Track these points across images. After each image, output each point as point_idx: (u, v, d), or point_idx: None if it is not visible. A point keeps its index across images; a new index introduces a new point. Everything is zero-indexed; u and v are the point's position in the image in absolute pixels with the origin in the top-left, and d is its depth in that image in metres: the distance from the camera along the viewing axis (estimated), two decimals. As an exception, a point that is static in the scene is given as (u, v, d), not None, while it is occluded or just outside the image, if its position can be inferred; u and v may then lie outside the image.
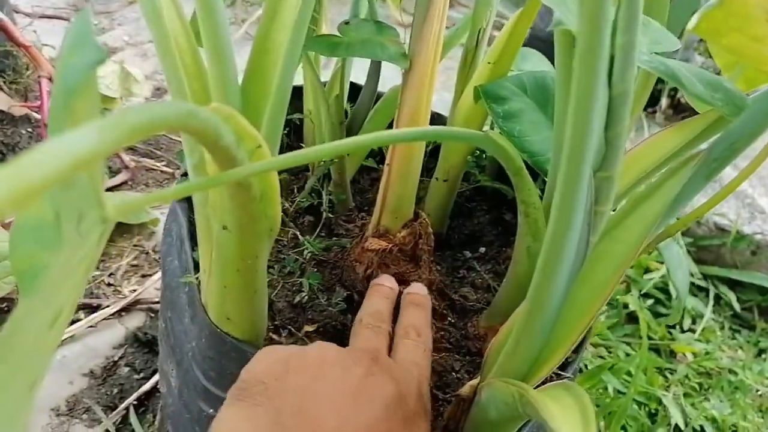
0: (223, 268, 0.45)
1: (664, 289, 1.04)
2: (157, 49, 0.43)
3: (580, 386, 0.35)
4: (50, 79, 1.08)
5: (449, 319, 0.60)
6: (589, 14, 0.24)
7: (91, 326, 0.86)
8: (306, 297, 0.57)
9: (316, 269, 0.60)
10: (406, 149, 0.54)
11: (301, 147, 0.71)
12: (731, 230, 1.10)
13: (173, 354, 0.58)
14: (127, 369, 0.83)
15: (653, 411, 0.88)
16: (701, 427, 0.88)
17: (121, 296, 0.91)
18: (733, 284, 1.11)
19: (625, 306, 0.99)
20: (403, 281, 0.57)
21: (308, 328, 0.56)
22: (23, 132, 1.15)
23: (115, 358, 0.84)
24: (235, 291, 0.46)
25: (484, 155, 0.70)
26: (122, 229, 1.02)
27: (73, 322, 0.86)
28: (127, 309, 0.89)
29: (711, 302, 1.05)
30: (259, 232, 0.43)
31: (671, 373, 0.94)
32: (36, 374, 0.26)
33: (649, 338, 0.98)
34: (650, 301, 1.02)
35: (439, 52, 0.51)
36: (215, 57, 0.41)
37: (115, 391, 0.80)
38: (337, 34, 0.54)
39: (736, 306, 1.08)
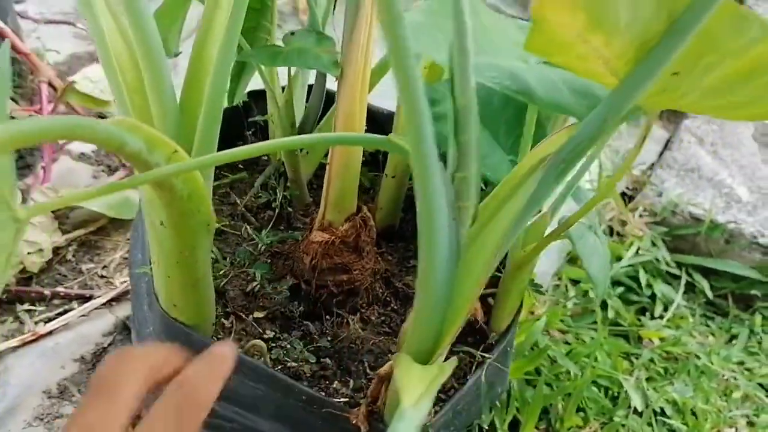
0: (164, 260, 0.51)
1: (635, 277, 1.08)
2: (102, 66, 0.48)
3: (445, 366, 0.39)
4: (50, 84, 1.15)
5: (392, 305, 0.65)
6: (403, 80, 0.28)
7: (83, 315, 0.92)
8: (258, 286, 0.62)
9: (269, 260, 0.65)
10: (344, 149, 0.58)
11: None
12: (705, 219, 1.13)
13: (138, 338, 0.64)
14: (115, 355, 0.89)
15: (615, 394, 0.91)
16: (661, 409, 0.91)
17: (112, 287, 0.97)
18: (708, 272, 1.13)
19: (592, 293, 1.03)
20: (346, 270, 0.62)
21: (258, 314, 0.61)
22: (27, 133, 1.21)
23: (105, 345, 0.90)
24: (178, 280, 0.52)
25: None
26: (117, 224, 1.08)
27: (67, 311, 0.93)
28: (117, 299, 0.95)
29: (682, 289, 1.08)
30: (194, 228, 0.48)
31: (637, 358, 0.98)
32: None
33: (617, 324, 1.02)
34: (620, 289, 1.05)
35: (369, 58, 0.55)
36: (150, 72, 0.46)
37: (104, 375, 0.86)
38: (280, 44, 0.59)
39: (709, 293, 1.10)
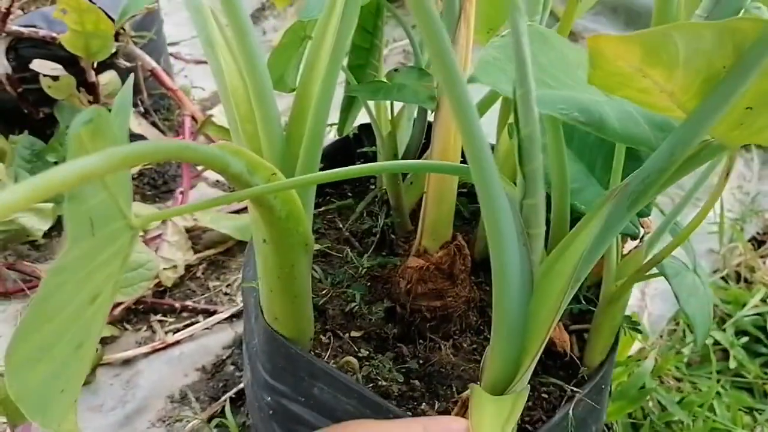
0: (267, 275, 0.55)
1: (762, 327, 1.01)
2: (221, 98, 0.54)
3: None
4: (192, 117, 1.27)
5: (485, 334, 0.66)
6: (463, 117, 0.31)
7: (206, 328, 1.00)
8: (356, 307, 0.66)
9: (369, 283, 0.69)
10: (440, 178, 0.61)
11: (374, 176, 0.80)
12: None
13: (247, 349, 0.69)
14: (232, 367, 0.96)
15: (734, 449, 0.86)
16: (786, 470, 0.85)
17: (234, 304, 1.05)
18: None
19: (716, 342, 0.98)
20: (439, 297, 0.64)
21: (354, 333, 0.65)
22: (172, 162, 1.34)
23: (224, 357, 0.97)
24: (279, 295, 0.56)
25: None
26: (243, 246, 1.16)
27: (193, 323, 1.01)
28: (237, 315, 1.02)
29: (817, 344, 1.00)
30: (293, 246, 0.52)
31: (760, 414, 0.91)
32: (82, 338, 0.37)
33: (740, 376, 0.96)
34: (745, 339, 0.99)
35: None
36: (259, 105, 0.51)
37: (221, 385, 0.93)
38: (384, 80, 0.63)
39: None
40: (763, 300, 1.03)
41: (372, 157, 0.79)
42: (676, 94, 0.34)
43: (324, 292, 0.67)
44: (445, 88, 0.32)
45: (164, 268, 1.06)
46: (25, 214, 1.02)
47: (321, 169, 0.77)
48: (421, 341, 0.64)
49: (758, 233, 1.17)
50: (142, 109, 1.34)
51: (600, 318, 0.57)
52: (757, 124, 0.35)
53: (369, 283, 0.69)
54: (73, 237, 0.33)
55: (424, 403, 0.59)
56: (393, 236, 0.74)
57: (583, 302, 0.63)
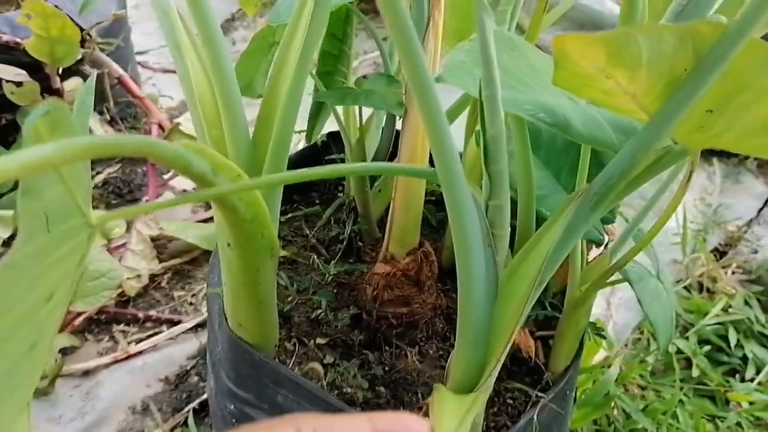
0: (231, 280, 0.54)
1: (725, 336, 1.02)
2: (187, 102, 0.54)
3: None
4: (159, 125, 1.25)
5: (451, 341, 0.65)
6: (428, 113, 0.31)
7: (170, 338, 0.99)
8: (322, 314, 0.65)
9: (335, 290, 0.68)
10: (407, 184, 0.61)
11: (342, 183, 0.80)
12: (806, 280, 1.06)
13: (211, 358, 0.68)
14: (196, 378, 0.94)
15: (697, 457, 0.87)
16: (747, 477, 0.86)
17: (199, 314, 1.03)
18: (810, 337, 1.06)
19: (679, 351, 0.99)
20: (406, 303, 0.64)
21: (320, 340, 0.64)
22: (138, 170, 1.32)
23: (188, 368, 0.95)
24: (243, 301, 0.55)
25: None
26: (209, 256, 1.15)
27: (157, 333, 0.99)
28: (203, 325, 1.01)
29: (777, 352, 1.02)
30: (258, 250, 0.52)
31: (722, 421, 0.92)
32: (35, 338, 0.36)
33: (703, 384, 0.97)
34: (707, 348, 1.01)
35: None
36: (226, 109, 0.51)
37: (184, 395, 0.91)
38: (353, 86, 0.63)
39: (811, 359, 1.03)
40: (724, 309, 1.05)
41: (341, 165, 0.79)
42: (638, 96, 0.34)
43: (290, 298, 0.66)
44: (413, 89, 0.32)
45: (128, 278, 1.04)
46: (-16, 221, 1.00)
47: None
48: (387, 348, 0.64)
49: (720, 244, 1.20)
50: (108, 117, 1.33)
51: (564, 323, 0.58)
52: (717, 127, 0.36)
53: (335, 290, 0.68)
54: (27, 233, 0.32)
55: (388, 410, 0.58)
56: (360, 244, 0.74)
57: (549, 309, 0.63)
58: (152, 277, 1.09)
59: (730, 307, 1.06)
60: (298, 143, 1.29)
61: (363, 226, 0.72)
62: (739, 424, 0.93)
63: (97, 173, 1.30)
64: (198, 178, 0.40)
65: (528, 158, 0.51)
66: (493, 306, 0.43)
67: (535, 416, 0.55)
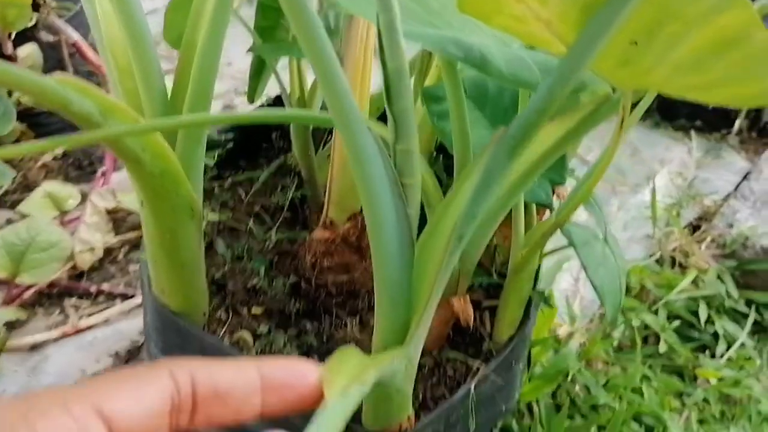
0: (149, 242, 0.51)
1: (695, 312, 0.99)
2: (98, 49, 0.50)
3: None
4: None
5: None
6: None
7: (123, 313, 0.95)
8: (260, 282, 0.62)
9: (276, 258, 0.65)
10: (345, 145, 0.57)
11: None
12: (781, 254, 1.03)
13: (144, 327, 0.65)
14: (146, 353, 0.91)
15: (661, 434, 0.84)
16: (712, 454, 0.83)
17: (154, 288, 1.00)
18: (782, 312, 1.04)
19: (647, 327, 0.96)
20: (346, 271, 0.60)
21: (256, 310, 0.61)
22: (99, 144, 1.28)
23: (140, 343, 0.92)
24: (163, 265, 0.52)
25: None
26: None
27: (109, 308, 0.96)
28: (157, 299, 0.97)
29: (748, 328, 0.99)
30: (174, 210, 0.48)
31: (689, 397, 0.90)
32: None
33: (672, 361, 0.94)
34: (677, 323, 0.98)
35: (369, 54, 0.55)
36: (138, 57, 0.47)
37: (134, 371, 0.88)
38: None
39: (783, 335, 1.01)
40: (694, 283, 1.02)
41: (287, 129, 0.75)
42: (553, 23, 0.31)
43: (226, 267, 0.63)
44: (291, 21, 0.28)
45: (81, 251, 1.01)
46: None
47: (234, 139, 0.73)
48: (326, 318, 0.61)
49: (695, 219, 1.17)
50: (67, 87, 1.28)
51: (507, 290, 0.54)
52: (645, 62, 0.33)
53: (276, 259, 0.65)
54: None
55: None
56: (307, 212, 0.70)
57: (496, 277, 0.60)
58: (108, 251, 1.05)
59: (702, 282, 1.03)
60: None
61: (307, 192, 0.68)
62: (706, 400, 0.90)
63: (57, 145, 1.26)
64: (82, 118, 0.36)
65: (464, 118, 0.47)
66: (410, 264, 0.39)
67: (472, 387, 0.52)
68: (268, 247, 0.65)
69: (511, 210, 0.54)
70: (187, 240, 0.51)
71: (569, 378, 0.84)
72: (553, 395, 0.81)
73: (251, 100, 0.69)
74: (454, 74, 0.45)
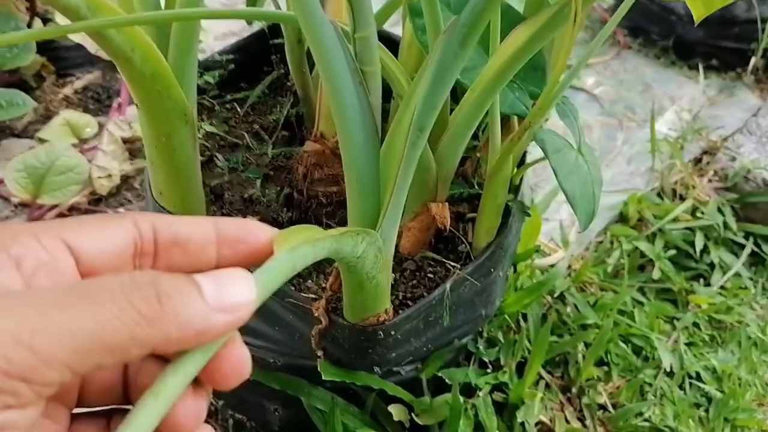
0: (146, 145, 0.55)
1: (693, 242, 1.01)
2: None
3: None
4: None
5: (382, 220, 0.66)
6: None
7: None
8: (256, 193, 0.65)
9: (272, 171, 0.68)
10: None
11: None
12: (782, 187, 1.04)
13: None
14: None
15: (648, 355, 0.87)
16: (697, 374, 0.86)
17: (168, 213, 1.04)
18: (781, 245, 1.05)
19: (642, 255, 0.98)
20: (336, 182, 0.64)
21: (250, 218, 0.64)
22: (118, 77, 1.32)
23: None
24: (160, 167, 0.56)
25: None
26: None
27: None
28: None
29: (744, 258, 1.01)
30: (167, 113, 0.52)
31: (679, 320, 0.92)
32: None
33: (666, 289, 0.96)
34: (672, 252, 1.00)
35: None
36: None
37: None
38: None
39: (780, 266, 1.02)
40: (693, 215, 1.03)
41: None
42: None
43: (224, 178, 0.66)
44: None
45: (99, 177, 1.05)
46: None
47: (235, 61, 0.76)
48: (318, 226, 0.64)
49: (700, 153, 1.17)
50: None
51: (483, 198, 0.57)
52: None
53: (272, 172, 0.68)
54: None
55: (310, 280, 0.59)
56: (304, 128, 0.73)
57: (477, 189, 0.63)
58: (125, 178, 1.10)
59: (702, 213, 1.05)
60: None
61: (302, 110, 0.71)
62: (696, 324, 0.93)
63: (77, 78, 1.30)
64: (69, 11, 0.39)
65: (436, 12, 0.49)
66: (376, 153, 0.42)
67: (447, 285, 0.56)
68: (265, 161, 0.69)
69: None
70: (181, 144, 0.54)
71: (560, 298, 0.87)
72: (544, 316, 0.85)
73: (249, 22, 0.71)
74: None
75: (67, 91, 1.27)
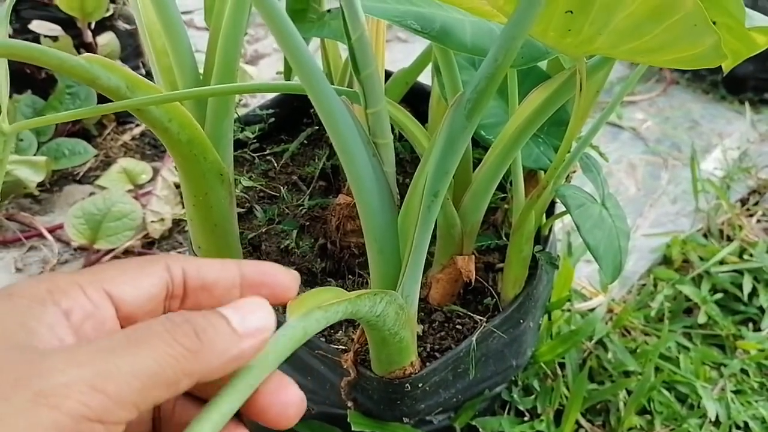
0: (186, 204, 0.58)
1: (740, 285, 0.99)
2: (140, 34, 0.57)
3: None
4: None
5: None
6: None
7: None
8: (291, 244, 0.68)
9: (308, 222, 0.71)
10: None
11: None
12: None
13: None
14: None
15: (694, 404, 0.85)
16: (745, 423, 0.83)
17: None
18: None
19: (687, 299, 0.96)
20: (367, 233, 0.66)
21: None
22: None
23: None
24: (198, 223, 0.59)
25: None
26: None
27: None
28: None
29: (795, 301, 0.98)
30: (204, 174, 0.55)
31: (726, 367, 0.90)
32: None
33: (712, 334, 0.94)
34: (719, 295, 0.97)
35: (381, 32, 0.59)
36: (169, 36, 0.54)
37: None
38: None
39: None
40: (741, 257, 1.01)
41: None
42: (491, -3, 0.34)
43: (261, 230, 0.69)
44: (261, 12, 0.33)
45: (152, 221, 1.10)
46: (19, 166, 1.08)
47: (275, 115, 0.79)
48: (350, 277, 0.66)
49: (747, 192, 1.15)
50: (143, 72, 1.39)
51: (509, 250, 0.58)
52: (585, 32, 0.36)
53: (308, 223, 0.71)
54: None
55: (340, 332, 0.61)
56: (340, 180, 0.76)
57: (505, 238, 0.64)
58: (177, 221, 1.14)
59: (751, 255, 1.02)
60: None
61: (338, 161, 0.74)
62: (744, 371, 0.90)
63: (136, 126, 1.37)
64: (111, 92, 0.43)
65: (457, 84, 0.51)
66: (394, 217, 0.44)
67: (474, 339, 0.56)
68: (301, 213, 0.71)
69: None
70: (218, 202, 0.57)
71: (600, 343, 0.86)
72: (583, 362, 0.84)
73: (287, 78, 0.74)
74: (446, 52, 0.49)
75: (126, 138, 1.34)
